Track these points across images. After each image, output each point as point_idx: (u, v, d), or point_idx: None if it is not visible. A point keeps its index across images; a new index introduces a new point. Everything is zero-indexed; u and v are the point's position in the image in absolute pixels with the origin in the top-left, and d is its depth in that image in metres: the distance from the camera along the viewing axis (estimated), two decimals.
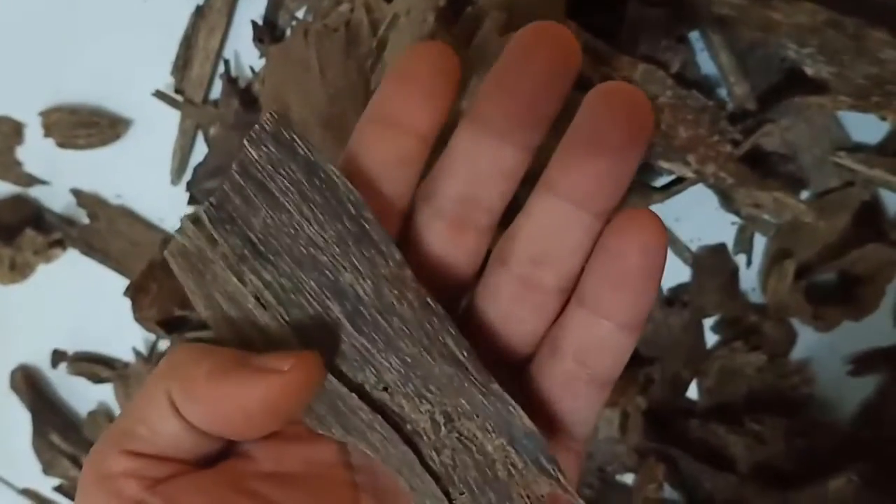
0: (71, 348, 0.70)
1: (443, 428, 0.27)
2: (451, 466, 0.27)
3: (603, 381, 0.29)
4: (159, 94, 0.64)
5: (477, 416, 0.27)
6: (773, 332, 0.53)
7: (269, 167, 0.28)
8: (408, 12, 0.43)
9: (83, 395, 0.71)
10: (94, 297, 0.69)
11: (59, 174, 0.68)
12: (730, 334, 0.54)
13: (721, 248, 0.54)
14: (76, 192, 0.67)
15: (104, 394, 0.70)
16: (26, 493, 0.72)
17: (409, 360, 0.27)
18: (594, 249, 0.28)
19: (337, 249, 0.27)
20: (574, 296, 0.28)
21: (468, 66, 0.40)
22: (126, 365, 0.68)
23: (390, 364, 0.27)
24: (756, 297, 0.54)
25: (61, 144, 0.67)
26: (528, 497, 0.26)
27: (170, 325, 0.61)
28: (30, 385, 0.71)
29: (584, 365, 0.28)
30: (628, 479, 0.55)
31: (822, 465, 0.50)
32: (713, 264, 0.54)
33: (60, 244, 0.68)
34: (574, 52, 0.28)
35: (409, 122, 0.28)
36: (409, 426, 0.27)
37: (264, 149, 0.28)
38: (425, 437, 0.27)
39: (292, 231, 0.28)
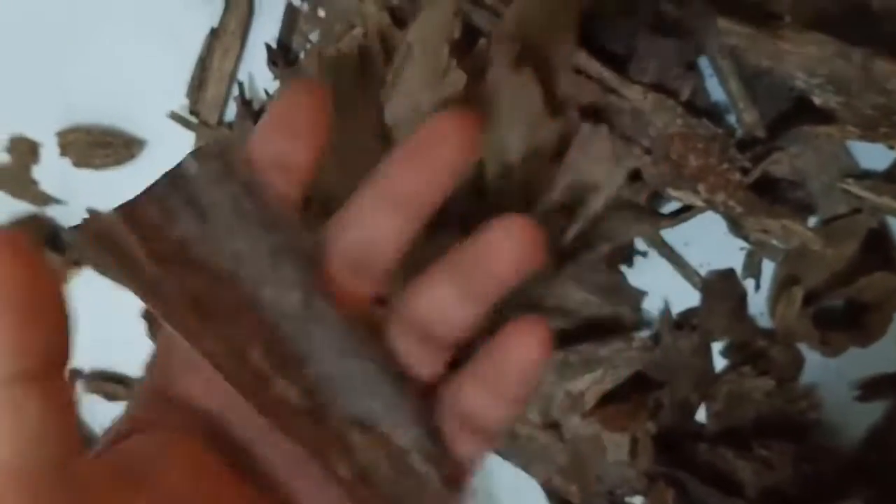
0: (87, 366, 0.71)
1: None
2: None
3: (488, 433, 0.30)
4: (174, 116, 0.64)
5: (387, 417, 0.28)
6: (781, 356, 0.53)
7: (204, 182, 0.28)
8: (422, 42, 0.44)
9: (99, 413, 0.71)
10: (109, 316, 0.70)
11: (74, 193, 0.69)
12: (738, 359, 0.54)
13: (730, 273, 0.54)
14: (91, 212, 0.68)
15: (119, 412, 0.70)
16: None
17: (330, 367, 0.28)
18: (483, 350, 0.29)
19: (266, 262, 0.28)
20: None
21: (483, 101, 0.41)
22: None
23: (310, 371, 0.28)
24: (765, 321, 0.55)
25: (77, 164, 0.68)
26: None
27: None
28: None
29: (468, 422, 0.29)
30: (637, 502, 0.56)
31: (828, 490, 0.51)
32: (722, 289, 0.54)
33: (77, 264, 0.68)
34: (473, 148, 0.29)
35: (286, 161, 0.29)
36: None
37: (204, 166, 0.29)
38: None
39: (215, 242, 0.28)
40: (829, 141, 0.49)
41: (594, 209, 0.51)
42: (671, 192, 0.47)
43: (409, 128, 0.44)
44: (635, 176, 0.51)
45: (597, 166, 0.46)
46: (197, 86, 0.64)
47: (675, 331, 0.54)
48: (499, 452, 0.57)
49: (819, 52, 0.46)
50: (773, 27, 0.46)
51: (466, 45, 0.43)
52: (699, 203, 0.47)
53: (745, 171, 0.47)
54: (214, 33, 0.64)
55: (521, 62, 0.42)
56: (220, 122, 0.64)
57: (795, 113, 0.50)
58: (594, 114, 0.47)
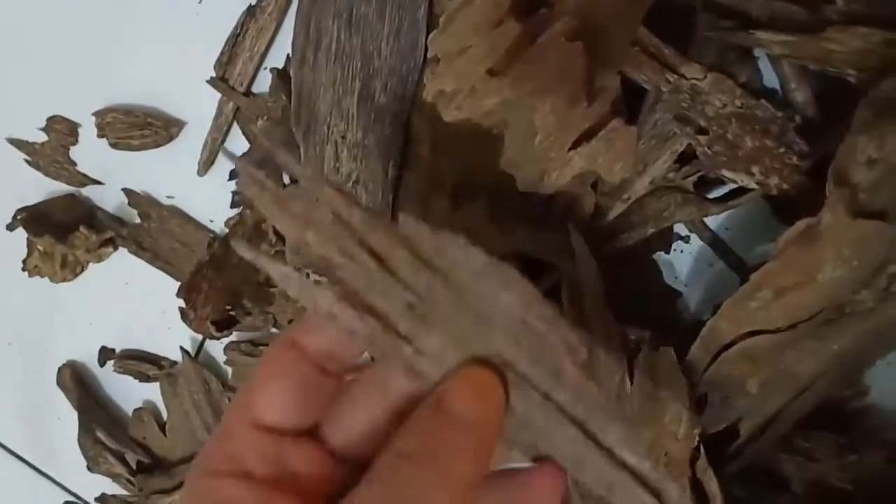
0: (119, 346, 0.71)
1: None
2: None
3: None
4: (212, 82, 0.64)
5: None
6: None
7: None
8: None
9: (130, 393, 0.71)
10: (142, 297, 0.70)
11: (112, 174, 0.68)
12: None
13: None
14: (128, 192, 0.68)
15: (150, 392, 0.70)
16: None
17: None
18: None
19: None
20: None
21: (526, 62, 0.40)
22: (173, 364, 0.69)
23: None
24: None
25: (115, 145, 0.68)
26: None
27: (220, 325, 0.61)
28: (77, 382, 0.71)
29: None
30: None
31: (878, 481, 0.49)
32: None
33: (112, 243, 0.68)
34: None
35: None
36: None
37: None
38: None
39: None
40: None
41: (638, 191, 0.50)
42: (725, 173, 0.47)
43: (447, 62, 0.44)
44: (683, 159, 0.50)
45: (615, 164, 0.45)
46: (227, 60, 0.63)
47: None
48: None
49: (865, 44, 0.45)
50: (816, 29, 0.45)
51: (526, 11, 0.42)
52: (753, 185, 0.46)
53: (802, 156, 0.47)
54: (251, 11, 0.63)
55: (575, 35, 0.41)
56: (248, 92, 0.64)
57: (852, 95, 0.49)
58: (643, 91, 0.46)
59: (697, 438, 0.43)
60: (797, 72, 0.49)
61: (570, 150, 0.43)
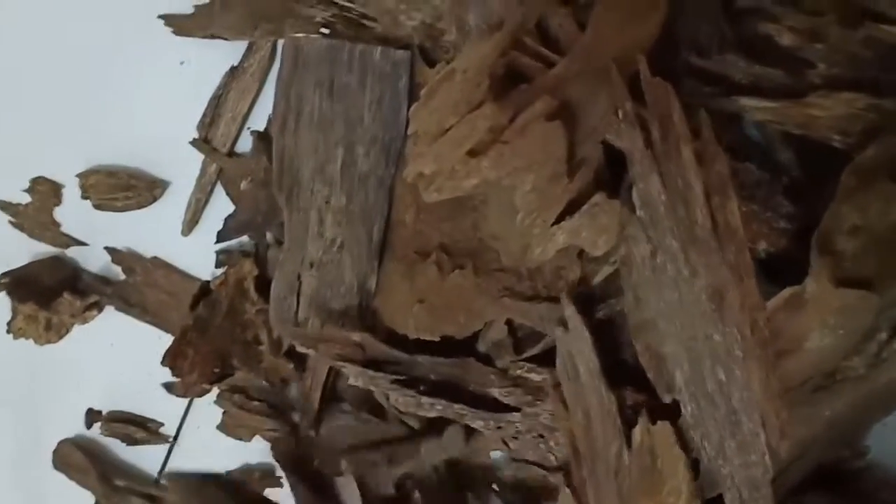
0: (105, 409, 0.70)
1: None
2: None
3: None
4: (195, 143, 0.63)
5: None
6: None
7: None
8: (465, 71, 0.43)
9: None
10: (127, 357, 0.69)
11: (96, 235, 0.68)
12: None
13: None
14: (111, 251, 0.67)
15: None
16: None
17: None
18: None
19: None
20: None
21: (507, 141, 0.40)
22: (160, 425, 0.69)
23: None
24: None
25: (98, 206, 0.67)
26: None
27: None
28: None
29: None
30: None
31: None
32: None
33: (97, 306, 0.68)
34: None
35: None
36: None
37: None
38: None
39: None
40: None
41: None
42: None
43: (427, 142, 0.43)
44: None
45: (599, 237, 0.45)
46: (209, 122, 0.63)
47: None
48: None
49: (849, 109, 0.45)
50: (799, 94, 0.45)
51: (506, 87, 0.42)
52: None
53: (789, 218, 0.46)
54: (233, 72, 0.63)
55: (555, 115, 0.41)
56: (231, 153, 0.64)
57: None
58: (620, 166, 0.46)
59: None
60: (781, 135, 0.49)
61: (552, 224, 0.43)
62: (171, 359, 0.59)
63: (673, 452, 0.42)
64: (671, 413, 0.43)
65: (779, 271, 0.50)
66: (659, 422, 0.42)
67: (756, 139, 0.50)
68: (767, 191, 0.46)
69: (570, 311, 0.45)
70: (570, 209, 0.43)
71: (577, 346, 0.45)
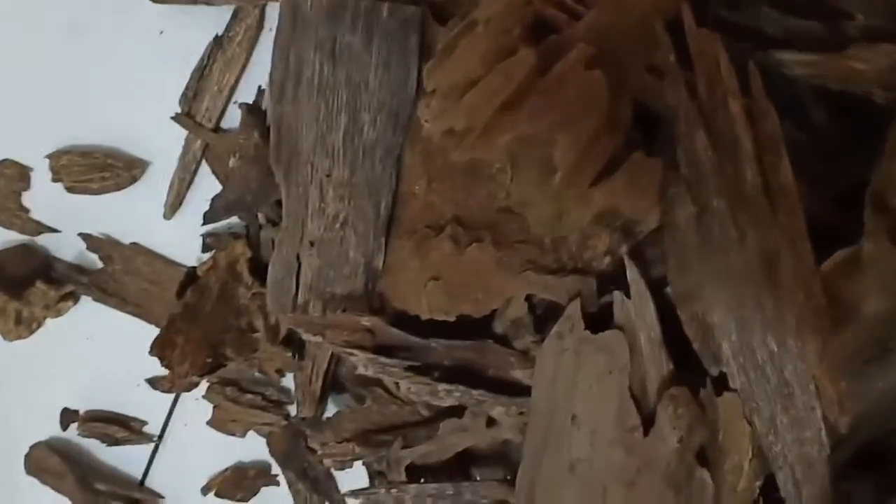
0: (82, 408, 0.66)
1: None
2: None
3: None
4: (178, 118, 0.59)
5: None
6: None
7: None
8: (487, 21, 0.40)
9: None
10: (106, 352, 0.65)
11: (68, 221, 0.63)
12: None
13: None
14: (85, 237, 0.63)
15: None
16: None
17: None
18: None
19: None
20: None
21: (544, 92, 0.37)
22: (143, 423, 0.64)
23: None
24: None
25: (71, 189, 0.62)
26: None
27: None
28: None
29: None
30: None
31: None
32: None
33: (72, 296, 0.63)
34: None
35: None
36: None
37: None
38: None
39: None
40: None
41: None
42: None
43: (453, 98, 0.40)
44: None
45: (640, 199, 0.43)
46: (192, 96, 0.59)
47: None
48: None
49: (893, 62, 0.43)
50: (836, 47, 0.43)
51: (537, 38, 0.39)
52: None
53: (824, 181, 0.44)
54: (218, 41, 0.59)
55: (593, 63, 0.38)
56: (217, 129, 0.60)
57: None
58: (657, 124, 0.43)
59: (758, 491, 0.40)
60: (813, 92, 0.46)
61: (590, 186, 0.40)
62: (160, 348, 0.55)
63: (738, 427, 0.39)
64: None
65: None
66: (726, 392, 0.40)
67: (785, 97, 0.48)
68: (804, 151, 0.44)
69: (634, 275, 0.42)
70: (607, 170, 0.40)
71: (638, 312, 0.42)
